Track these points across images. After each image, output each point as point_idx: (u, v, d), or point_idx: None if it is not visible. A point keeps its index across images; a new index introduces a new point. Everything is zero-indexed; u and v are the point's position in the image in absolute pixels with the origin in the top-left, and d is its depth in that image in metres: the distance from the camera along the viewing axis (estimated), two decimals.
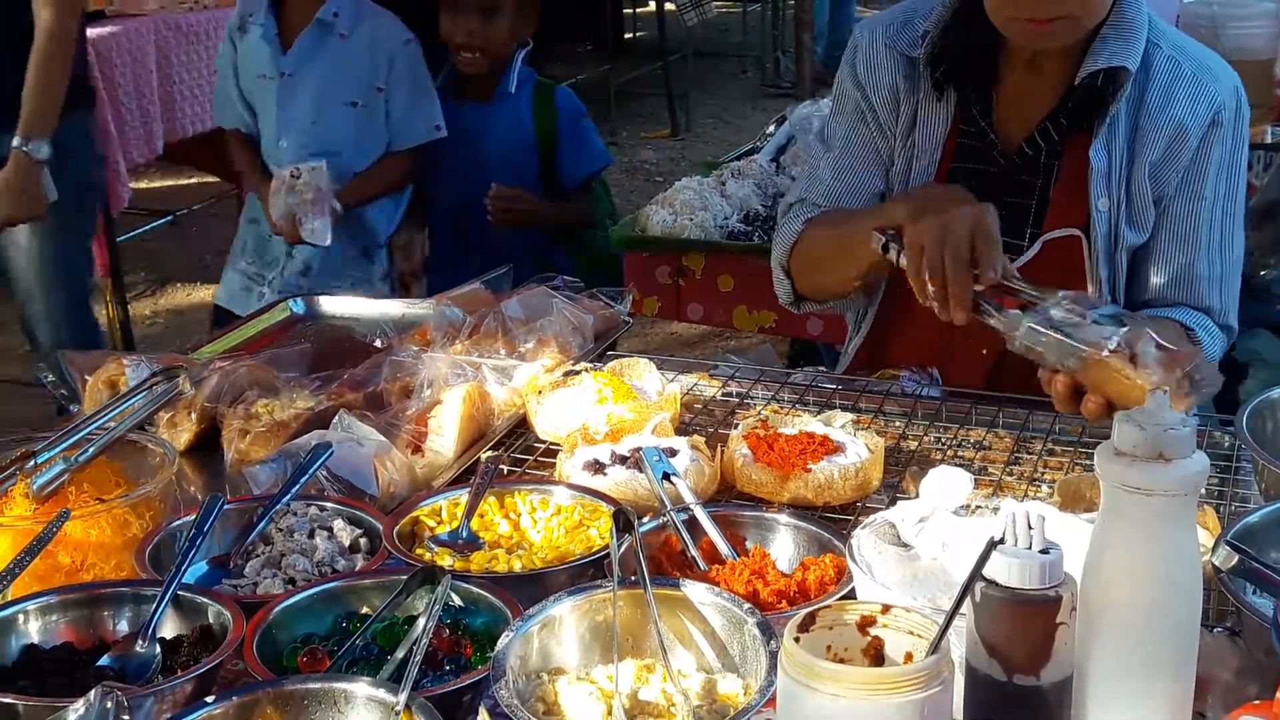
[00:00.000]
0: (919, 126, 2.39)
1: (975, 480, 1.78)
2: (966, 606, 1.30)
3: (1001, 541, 1.29)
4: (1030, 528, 1.29)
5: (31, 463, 1.85)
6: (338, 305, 2.85)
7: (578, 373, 2.26)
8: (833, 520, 1.88)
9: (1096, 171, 2.26)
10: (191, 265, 7.18)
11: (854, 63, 2.45)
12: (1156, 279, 2.31)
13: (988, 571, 1.28)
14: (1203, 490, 1.44)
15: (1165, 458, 1.27)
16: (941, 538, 1.64)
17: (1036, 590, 1.27)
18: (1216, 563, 1.53)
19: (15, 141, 3.58)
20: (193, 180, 7.79)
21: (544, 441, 2.16)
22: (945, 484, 1.71)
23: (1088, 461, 2.06)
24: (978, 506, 1.74)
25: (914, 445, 2.16)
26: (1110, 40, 2.22)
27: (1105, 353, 1.81)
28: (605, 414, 2.11)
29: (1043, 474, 2.06)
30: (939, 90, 2.35)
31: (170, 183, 8.11)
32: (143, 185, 7.84)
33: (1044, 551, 1.28)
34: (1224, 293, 2.34)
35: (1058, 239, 2.31)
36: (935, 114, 2.37)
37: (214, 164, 6.55)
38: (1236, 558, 1.50)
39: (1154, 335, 1.81)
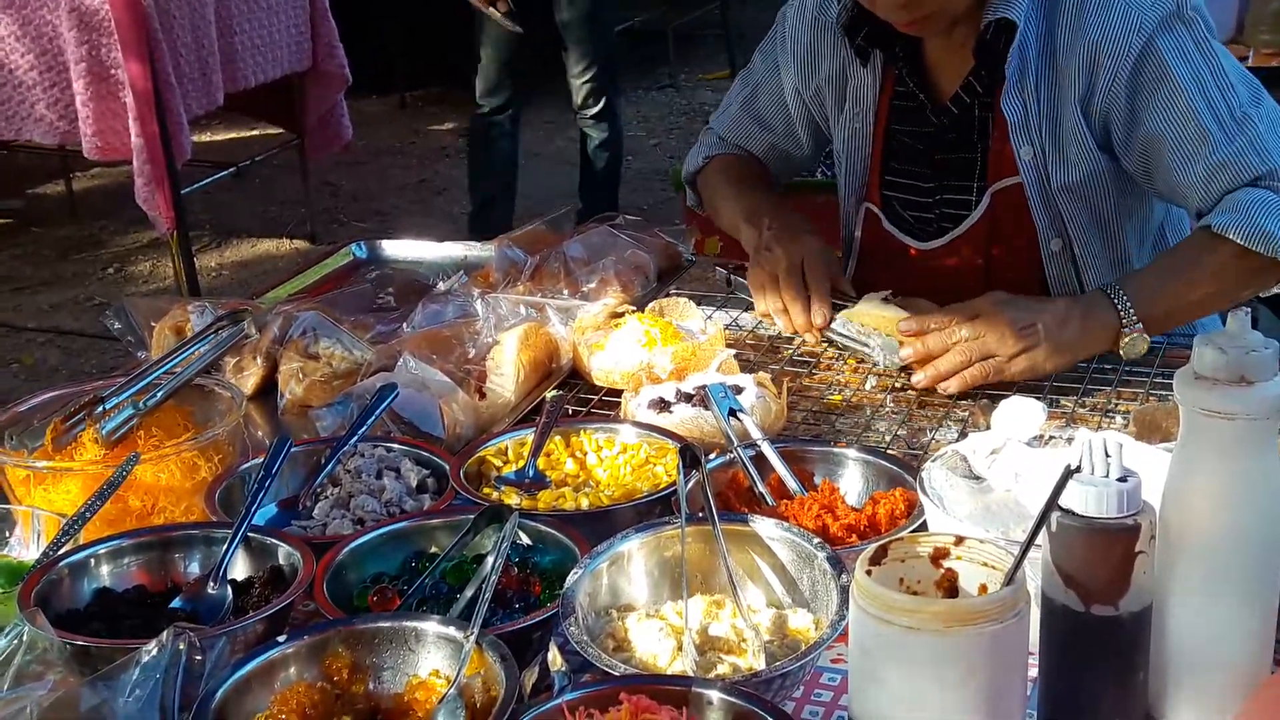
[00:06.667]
0: (849, 94, 2.40)
1: (1047, 412, 1.75)
2: (1042, 537, 1.28)
3: (1078, 469, 1.26)
4: (1107, 455, 1.26)
5: (100, 408, 1.86)
6: (400, 248, 2.84)
7: (621, 315, 2.24)
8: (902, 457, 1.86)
9: (1012, 123, 2.22)
10: (255, 217, 7.23)
11: (783, 24, 2.48)
12: (1197, 190, 2.14)
13: (1064, 500, 1.26)
14: None
15: (1247, 380, 1.23)
16: (1014, 469, 1.61)
17: (1114, 518, 1.24)
18: None
19: None
20: (255, 132, 7.83)
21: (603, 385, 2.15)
22: (1017, 414, 1.68)
23: (1163, 391, 2.02)
24: (1051, 437, 1.71)
25: None
26: None
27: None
28: (670, 354, 2.09)
29: (1116, 405, 2.03)
30: (863, 57, 2.34)
31: (233, 135, 8.15)
32: (205, 138, 7.89)
33: (1121, 479, 1.25)
34: (1264, 149, 2.11)
35: (1004, 189, 2.27)
36: (864, 80, 2.37)
37: (275, 114, 6.58)
38: None
39: None
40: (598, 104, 6.23)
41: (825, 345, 2.26)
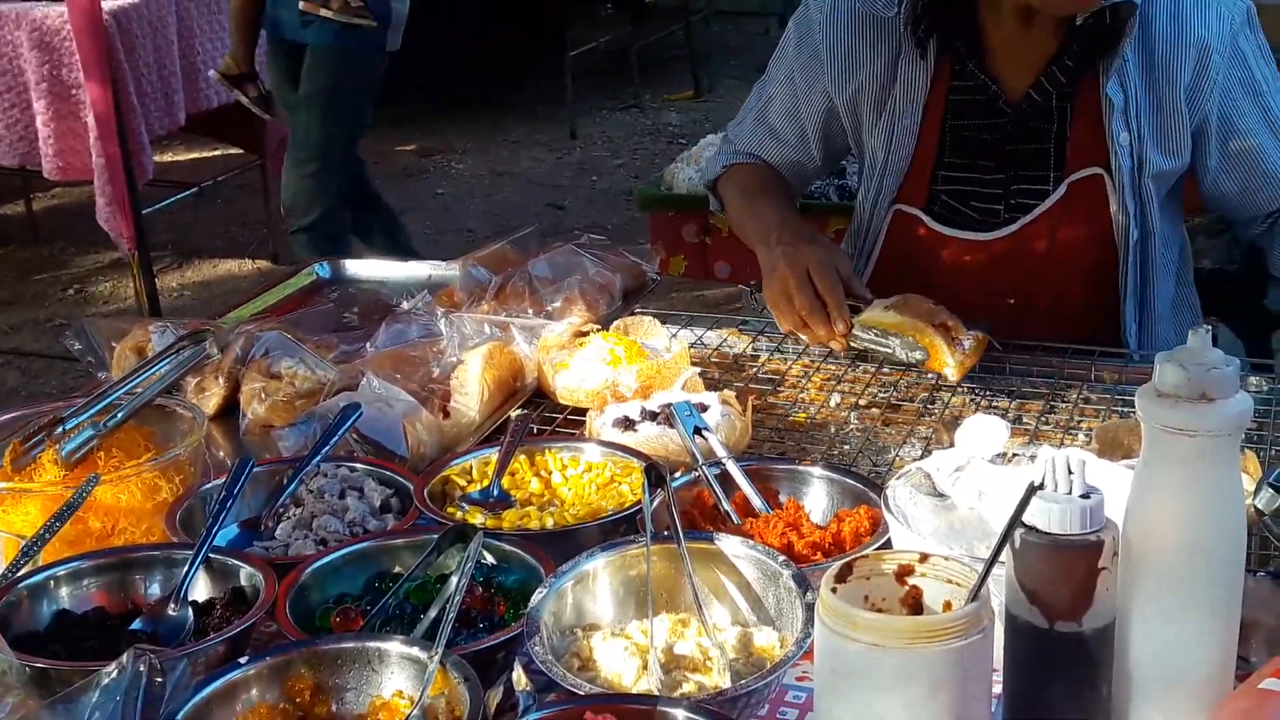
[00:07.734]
0: (899, 87, 2.36)
1: (1011, 429, 1.76)
2: (1006, 554, 1.28)
3: (1041, 487, 1.27)
4: (1070, 472, 1.26)
5: (60, 429, 1.84)
6: (364, 268, 2.83)
7: (586, 334, 2.24)
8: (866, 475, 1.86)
9: (1115, 108, 2.23)
10: (217, 237, 7.19)
11: (806, 22, 2.43)
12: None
13: (1028, 517, 1.26)
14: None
15: (1208, 398, 1.24)
16: (978, 486, 1.61)
17: (1078, 535, 1.25)
18: (1259, 505, 1.50)
19: None
20: (216, 152, 7.79)
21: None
22: (981, 432, 1.68)
23: (1125, 409, 2.04)
24: (1014, 455, 1.71)
25: (947, 395, 2.14)
26: None
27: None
28: (635, 372, 2.09)
29: (1079, 422, 2.04)
30: (921, 49, 2.31)
31: (194, 155, 8.11)
32: (167, 158, 7.84)
33: (1084, 496, 1.26)
34: None
35: (1081, 179, 2.29)
36: (915, 74, 2.34)
37: (237, 136, 6.55)
38: None
39: None
40: (308, 213, 5.21)
41: (821, 358, 2.27)
